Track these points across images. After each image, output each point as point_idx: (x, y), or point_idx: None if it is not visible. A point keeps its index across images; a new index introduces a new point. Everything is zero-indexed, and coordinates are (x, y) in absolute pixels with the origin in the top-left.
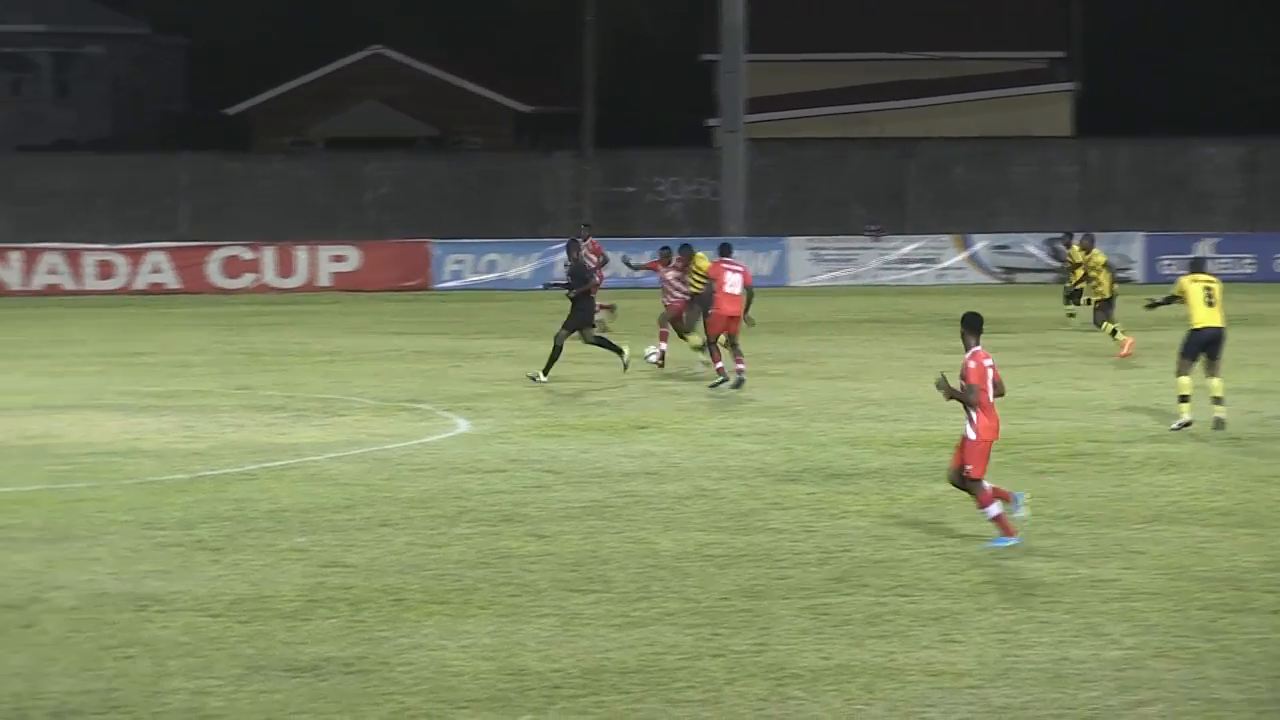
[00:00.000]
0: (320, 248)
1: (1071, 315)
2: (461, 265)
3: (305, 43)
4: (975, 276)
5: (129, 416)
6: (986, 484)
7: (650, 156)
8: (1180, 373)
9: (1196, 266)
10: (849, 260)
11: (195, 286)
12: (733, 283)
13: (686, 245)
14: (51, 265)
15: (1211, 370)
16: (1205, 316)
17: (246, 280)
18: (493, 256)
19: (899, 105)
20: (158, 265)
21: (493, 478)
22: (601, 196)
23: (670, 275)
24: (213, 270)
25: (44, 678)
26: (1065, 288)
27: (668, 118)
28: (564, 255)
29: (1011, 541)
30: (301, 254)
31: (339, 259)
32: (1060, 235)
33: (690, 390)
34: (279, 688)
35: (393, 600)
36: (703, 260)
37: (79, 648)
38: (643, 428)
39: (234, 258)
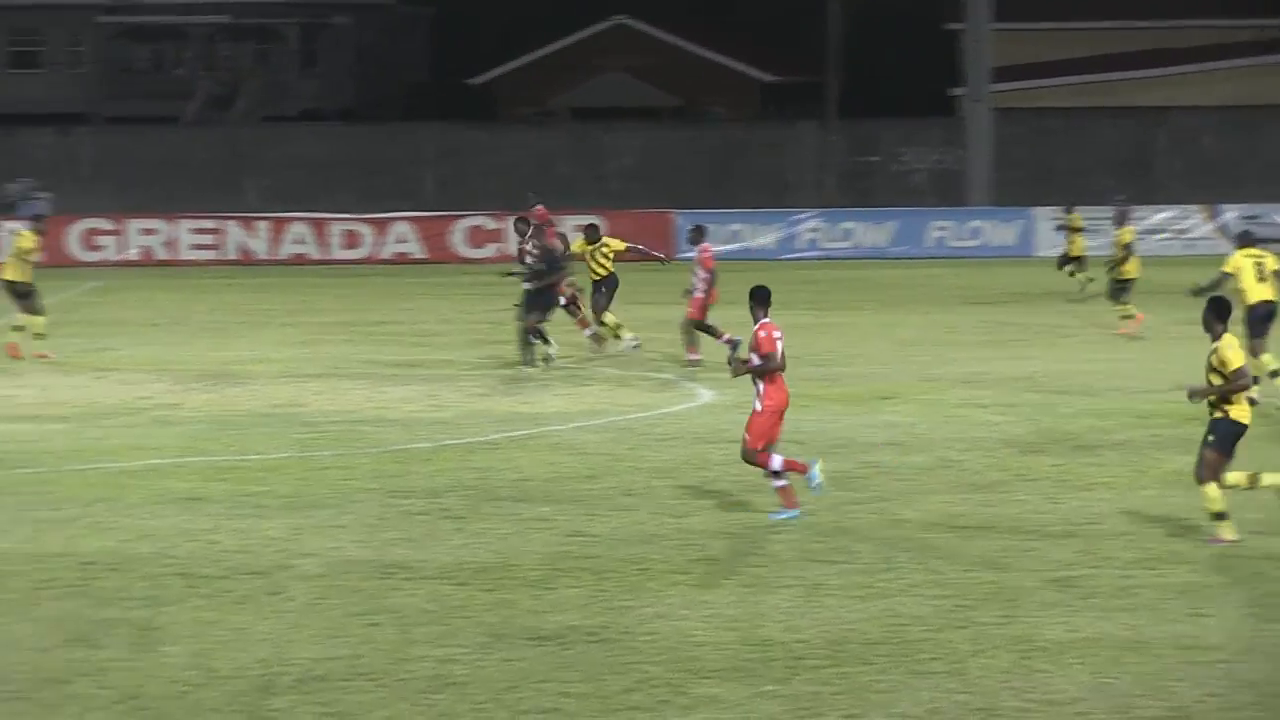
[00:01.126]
0: (564, 217)
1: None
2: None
3: (549, 13)
4: (1224, 247)
5: (375, 385)
6: (777, 457)
7: (894, 126)
8: (1255, 353)
9: (1245, 240)
10: (1095, 231)
11: (439, 256)
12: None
13: (594, 225)
14: (298, 235)
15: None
16: (1259, 291)
17: (491, 249)
18: (736, 226)
19: (1146, 74)
20: (403, 235)
21: (736, 448)
22: (844, 166)
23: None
24: (457, 240)
25: (290, 644)
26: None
27: (911, 87)
28: (535, 239)
29: (790, 514)
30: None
31: (583, 229)
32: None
33: (934, 360)
34: (523, 656)
35: (636, 570)
36: (615, 243)
37: (325, 615)
38: (887, 398)
39: (478, 227)
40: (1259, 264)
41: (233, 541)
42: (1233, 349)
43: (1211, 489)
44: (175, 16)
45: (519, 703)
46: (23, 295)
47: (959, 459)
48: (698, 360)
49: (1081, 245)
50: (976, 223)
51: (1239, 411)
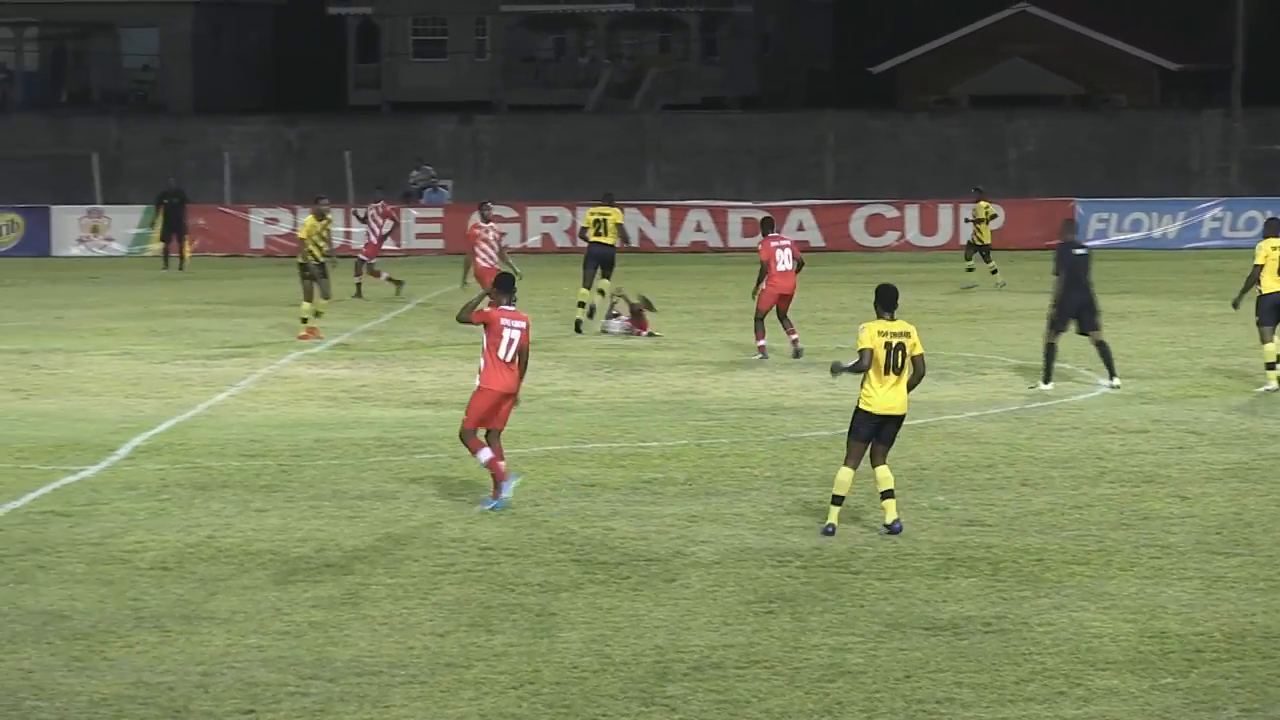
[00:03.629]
0: (963, 206)
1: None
2: (1105, 224)
3: (950, 1)
4: None
5: (772, 373)
6: (486, 451)
7: None
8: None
9: (1273, 229)
10: None
11: (838, 244)
12: (783, 259)
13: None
14: (698, 222)
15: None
16: (1273, 283)
17: (890, 238)
18: (1137, 215)
19: None
20: (802, 223)
21: (1135, 438)
22: (1249, 155)
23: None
24: (856, 228)
25: (686, 631)
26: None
27: None
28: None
29: (494, 504)
30: (945, 212)
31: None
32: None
33: None
34: (918, 645)
35: (1033, 560)
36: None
37: (720, 602)
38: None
39: (877, 215)
40: None
41: (629, 528)
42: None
43: None
44: (577, 5)
45: (913, 692)
46: (309, 278)
47: None
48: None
49: (988, 234)
50: None
51: None
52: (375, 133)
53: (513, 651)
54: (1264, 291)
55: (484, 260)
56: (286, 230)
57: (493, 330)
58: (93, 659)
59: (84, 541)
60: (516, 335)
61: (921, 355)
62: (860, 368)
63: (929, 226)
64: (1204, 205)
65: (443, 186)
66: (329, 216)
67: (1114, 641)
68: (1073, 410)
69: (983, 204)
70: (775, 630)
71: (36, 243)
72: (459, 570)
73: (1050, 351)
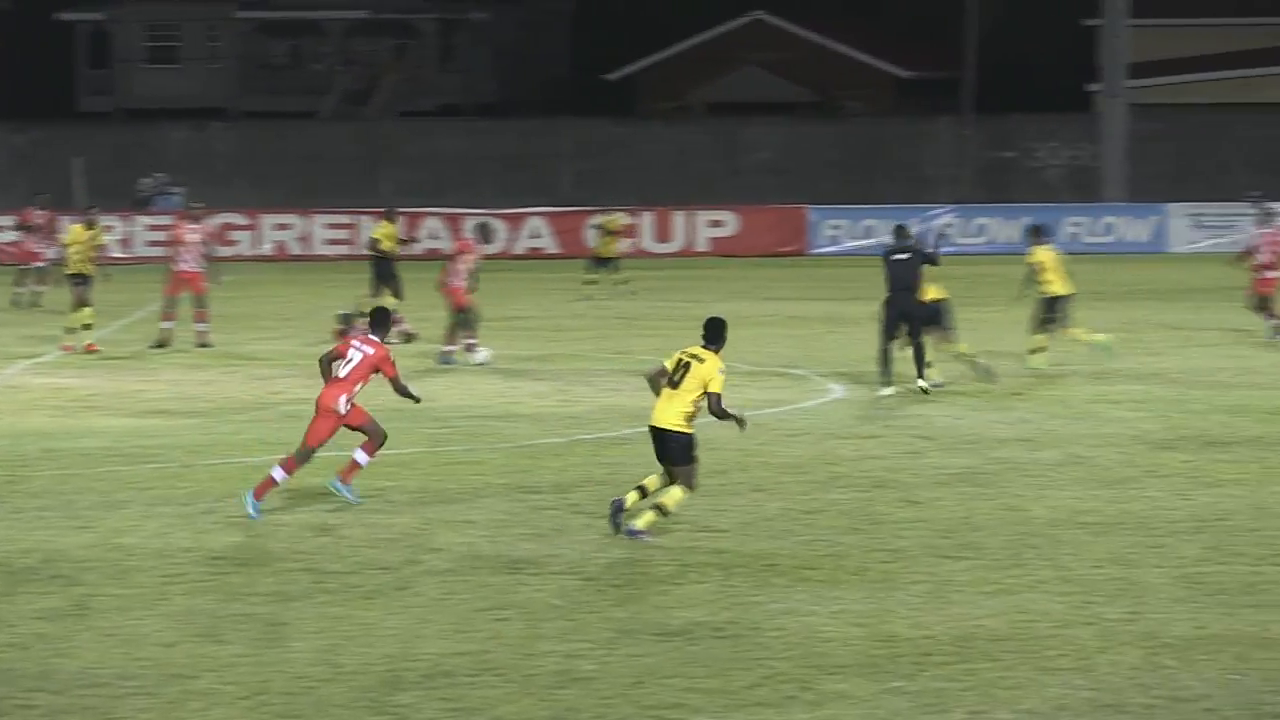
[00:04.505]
0: (699, 212)
1: None
2: (838, 230)
3: (687, 8)
4: None
5: (506, 380)
6: (280, 470)
7: (1031, 121)
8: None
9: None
10: (1230, 227)
11: (573, 251)
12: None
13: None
14: (432, 229)
15: None
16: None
17: (625, 245)
18: (870, 222)
19: None
20: (536, 230)
21: (866, 443)
22: (981, 161)
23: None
24: (591, 235)
25: (418, 639)
26: None
27: (1048, 83)
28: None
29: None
30: (680, 219)
31: (717, 224)
32: None
33: (1066, 356)
34: (650, 651)
35: (764, 565)
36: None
37: (453, 610)
38: (1017, 394)
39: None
40: None
41: (361, 536)
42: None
43: None
44: (312, 11)
45: (645, 698)
46: (78, 286)
47: (1089, 455)
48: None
49: (614, 248)
50: (1111, 219)
51: None
52: (108, 139)
53: (242, 661)
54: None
55: (185, 265)
56: (15, 239)
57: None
58: None
59: None
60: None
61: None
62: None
63: (664, 233)
64: (935, 212)
65: (174, 194)
66: (98, 226)
67: (844, 645)
68: (805, 416)
69: (615, 217)
70: (507, 637)
71: None
72: (188, 580)
73: (885, 357)
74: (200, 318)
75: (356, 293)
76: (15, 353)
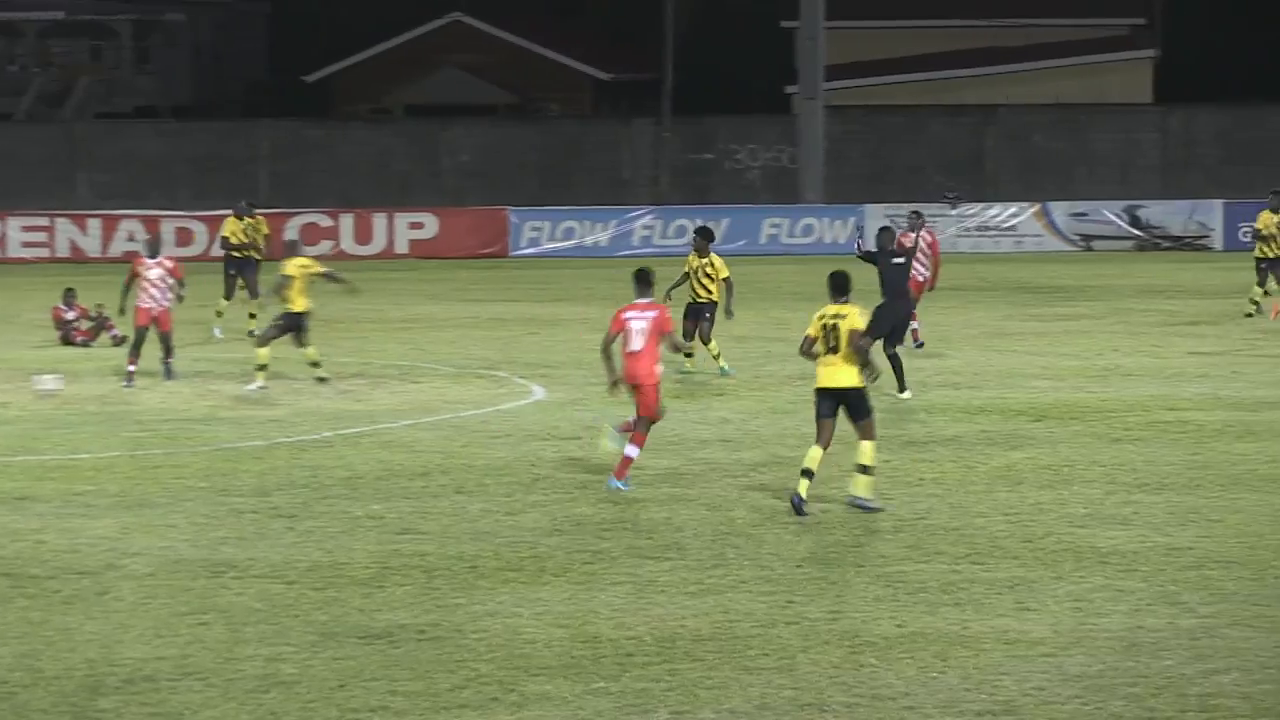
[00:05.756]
0: (398, 215)
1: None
2: (539, 232)
3: (386, 10)
4: (1054, 244)
5: (206, 384)
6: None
7: (729, 123)
8: None
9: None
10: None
11: (274, 253)
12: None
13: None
14: (130, 232)
15: None
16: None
17: (324, 247)
18: (570, 224)
19: (979, 72)
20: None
21: (568, 445)
22: (680, 163)
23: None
24: (291, 237)
25: (118, 644)
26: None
27: (748, 85)
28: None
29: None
30: (380, 221)
31: (417, 226)
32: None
33: (766, 357)
34: (353, 654)
35: (467, 568)
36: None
37: (154, 614)
38: (718, 395)
39: (312, 224)
40: None
41: (60, 541)
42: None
43: None
44: (7, 12)
45: (348, 701)
46: None
47: (790, 455)
48: None
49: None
50: (810, 220)
51: None
52: None
53: None
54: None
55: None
56: None
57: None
58: None
59: None
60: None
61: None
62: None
63: (364, 235)
64: (635, 213)
65: None
66: None
67: (547, 647)
68: (507, 418)
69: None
70: (209, 641)
71: None
72: None
73: (895, 361)
74: None
75: (55, 296)
76: None
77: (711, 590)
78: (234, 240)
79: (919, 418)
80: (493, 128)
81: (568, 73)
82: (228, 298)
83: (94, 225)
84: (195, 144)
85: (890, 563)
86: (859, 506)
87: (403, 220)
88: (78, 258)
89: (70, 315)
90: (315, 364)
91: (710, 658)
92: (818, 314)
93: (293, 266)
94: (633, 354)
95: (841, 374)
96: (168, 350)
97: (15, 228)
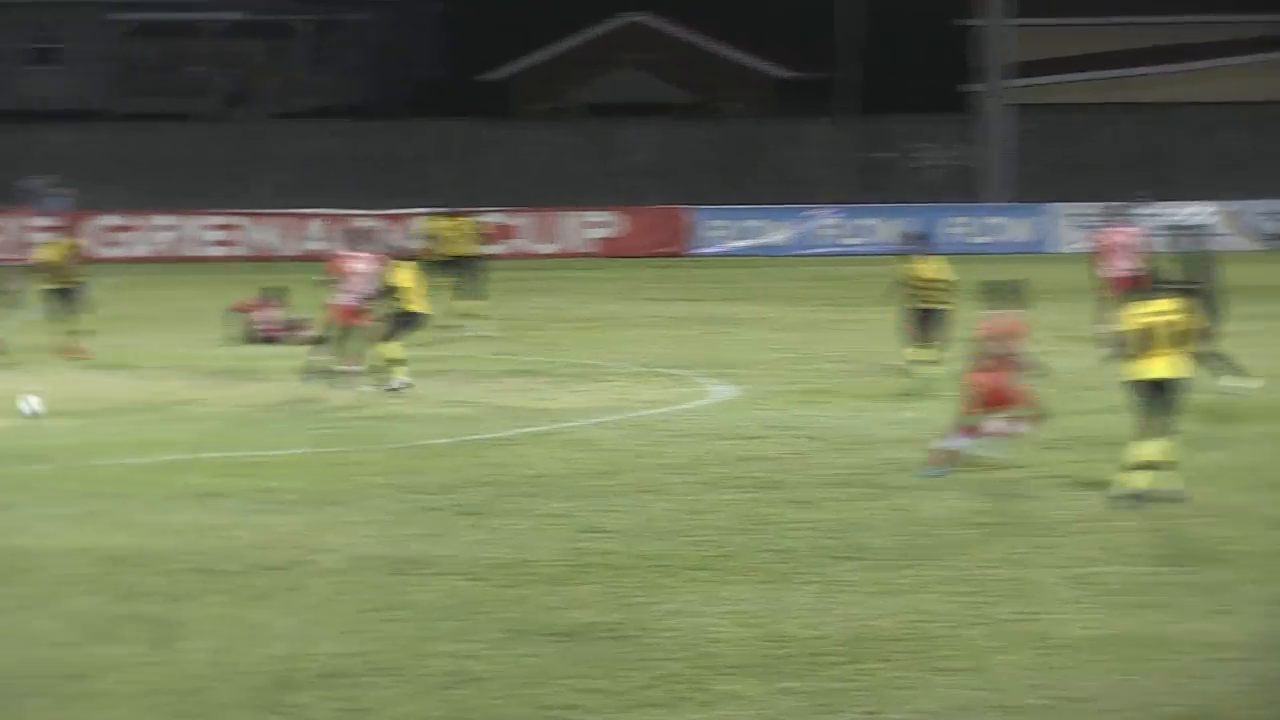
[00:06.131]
0: (578, 214)
1: None
2: (719, 231)
3: (564, 10)
4: (1242, 243)
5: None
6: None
7: (909, 122)
8: None
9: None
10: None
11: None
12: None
13: None
14: (314, 231)
15: None
16: None
17: (501, 247)
18: (749, 223)
19: (1165, 70)
20: (418, 230)
21: (752, 444)
22: (859, 162)
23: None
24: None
25: (309, 640)
26: None
27: (927, 83)
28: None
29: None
30: (560, 220)
31: (597, 225)
32: None
33: (954, 356)
34: (540, 651)
35: (652, 566)
36: None
37: (343, 610)
38: (906, 395)
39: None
40: None
41: (251, 537)
42: None
43: None
44: (187, 13)
45: (537, 698)
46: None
47: (979, 455)
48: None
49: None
50: (993, 219)
51: None
52: None
53: (136, 662)
54: None
55: None
56: None
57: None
58: None
59: None
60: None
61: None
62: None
63: (544, 234)
64: (815, 212)
65: (62, 194)
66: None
67: (735, 646)
68: (688, 417)
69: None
70: (398, 638)
71: None
72: (81, 581)
73: (1220, 359)
74: None
75: (241, 294)
76: None
77: (900, 590)
78: (441, 241)
79: (1108, 418)
80: (670, 127)
81: (745, 72)
82: (467, 298)
83: (275, 224)
84: (373, 143)
85: (1081, 564)
86: (1146, 499)
87: (583, 219)
88: (260, 256)
89: (261, 313)
90: (392, 363)
91: (899, 658)
92: (1135, 310)
93: (408, 269)
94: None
95: (1162, 366)
96: (359, 351)
97: (198, 226)
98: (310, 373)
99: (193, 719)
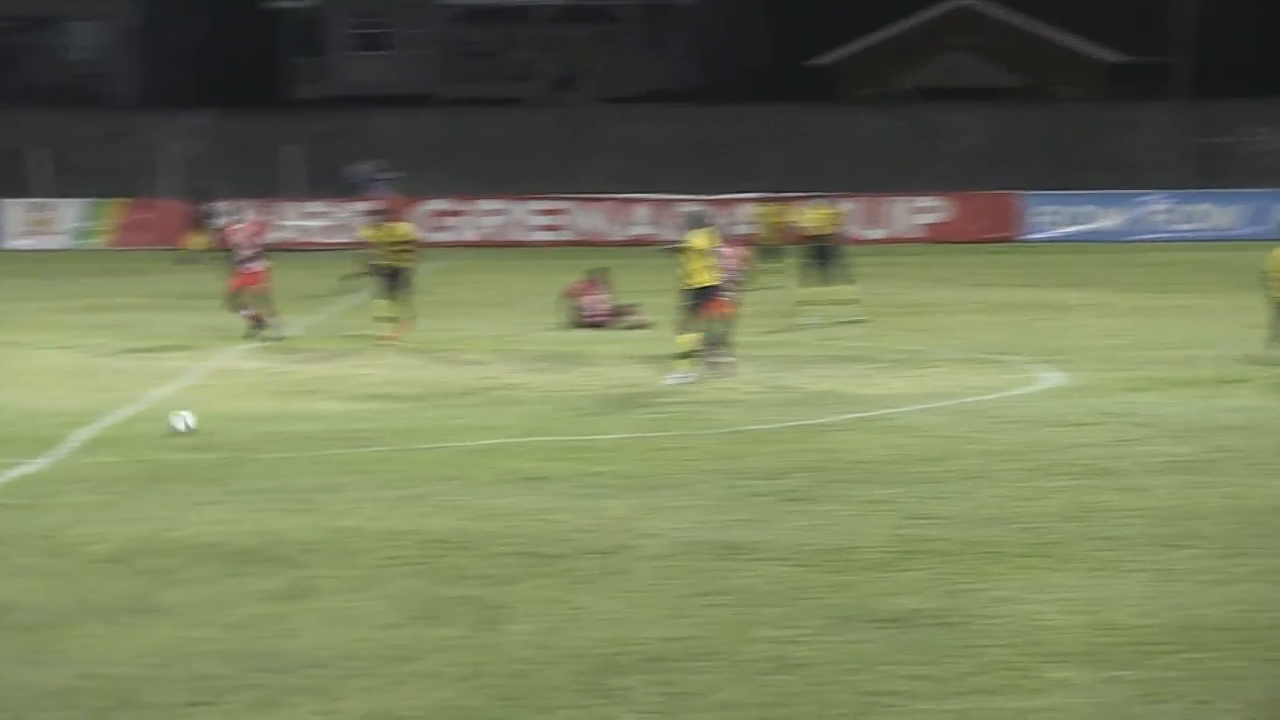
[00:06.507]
0: (906, 199)
1: None
2: (1049, 217)
3: None
4: None
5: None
6: None
7: (1246, 106)
8: None
9: None
10: None
11: (780, 238)
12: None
13: None
14: (641, 216)
15: None
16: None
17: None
18: (1081, 208)
19: None
20: (745, 215)
21: (1082, 431)
22: (1194, 147)
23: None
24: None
25: (633, 624)
26: None
27: (1266, 65)
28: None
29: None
30: (888, 206)
31: (926, 210)
32: None
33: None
34: (865, 638)
35: (980, 553)
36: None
37: (668, 595)
38: (1235, 382)
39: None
40: None
41: (576, 521)
42: None
43: None
44: None
45: (862, 685)
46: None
47: None
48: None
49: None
50: None
51: None
52: (317, 127)
53: (460, 644)
54: None
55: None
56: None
57: None
58: (42, 651)
59: (33, 534)
60: None
61: None
62: None
63: (872, 220)
64: (1148, 198)
65: (387, 179)
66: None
67: (1064, 633)
68: (1016, 404)
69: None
70: (722, 623)
71: None
72: (407, 563)
73: None
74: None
75: (565, 280)
76: (236, 336)
77: (1232, 579)
78: (813, 228)
79: None
80: (1000, 111)
81: (1075, 56)
82: (816, 284)
83: (601, 209)
84: (699, 129)
85: None
86: None
87: (912, 205)
88: (588, 241)
89: (589, 296)
90: (689, 353)
91: (1230, 647)
92: None
93: (697, 242)
94: None
95: None
96: (720, 341)
97: (528, 211)
98: (701, 359)
99: (516, 701)
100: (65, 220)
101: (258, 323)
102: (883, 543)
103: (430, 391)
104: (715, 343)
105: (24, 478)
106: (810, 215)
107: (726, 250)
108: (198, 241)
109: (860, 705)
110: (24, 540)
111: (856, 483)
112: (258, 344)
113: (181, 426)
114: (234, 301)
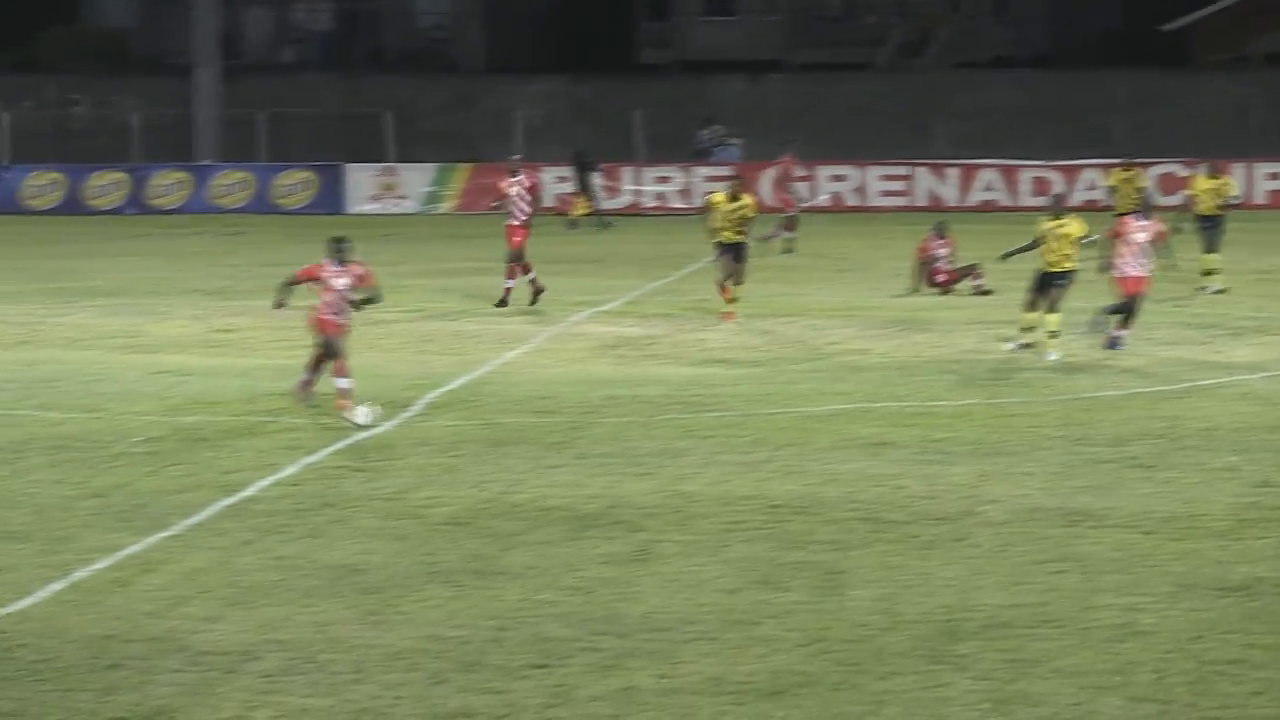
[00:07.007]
0: (1257, 165)
1: None
2: None
3: None
4: None
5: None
6: None
7: None
8: None
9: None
10: None
11: (1128, 204)
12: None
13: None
14: (988, 182)
15: None
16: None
17: (1178, 198)
18: None
19: None
20: (1091, 182)
21: None
22: None
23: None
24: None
25: (975, 590)
26: None
27: None
28: None
29: None
30: (1239, 172)
31: (1277, 176)
32: None
33: None
34: (1209, 606)
35: None
36: None
37: (1010, 562)
38: None
39: (1168, 175)
40: None
41: (918, 487)
42: None
43: None
44: None
45: (1204, 653)
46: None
47: None
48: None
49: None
50: None
51: None
52: (664, 92)
53: (802, 609)
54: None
55: (515, 219)
56: (574, 190)
57: None
58: (387, 612)
59: (378, 496)
60: None
61: None
62: None
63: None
64: None
65: (733, 144)
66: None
67: None
68: None
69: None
70: (1065, 589)
71: (330, 200)
72: (748, 528)
73: None
74: (512, 273)
75: (911, 246)
76: (579, 301)
77: None
78: (1202, 199)
79: None
80: None
81: None
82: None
83: (952, 175)
84: (1049, 94)
85: None
86: None
87: (1262, 170)
88: (935, 206)
89: (941, 251)
90: (1052, 334)
91: None
92: None
93: (1049, 225)
94: None
95: None
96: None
97: (874, 177)
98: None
99: (857, 668)
100: (412, 185)
101: (536, 289)
102: (1228, 511)
103: (772, 356)
104: (1122, 315)
105: (369, 440)
106: (1200, 184)
107: (1144, 224)
108: (581, 206)
109: (1202, 673)
110: (368, 503)
111: (1202, 450)
112: (599, 308)
113: (364, 420)
114: (517, 256)
